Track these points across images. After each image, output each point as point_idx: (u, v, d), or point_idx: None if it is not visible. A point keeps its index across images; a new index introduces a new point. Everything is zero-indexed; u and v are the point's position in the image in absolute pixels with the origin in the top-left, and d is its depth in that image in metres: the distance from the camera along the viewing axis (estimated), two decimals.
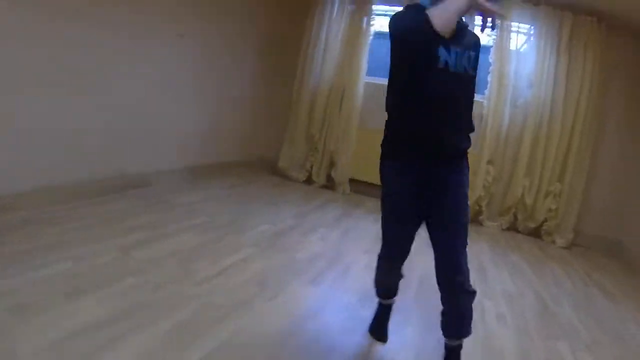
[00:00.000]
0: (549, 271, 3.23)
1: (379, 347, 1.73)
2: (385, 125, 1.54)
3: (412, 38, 1.36)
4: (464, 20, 1.45)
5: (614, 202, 4.18)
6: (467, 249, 1.49)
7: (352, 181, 4.64)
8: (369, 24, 4.49)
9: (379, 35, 4.56)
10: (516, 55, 4.19)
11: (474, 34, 1.51)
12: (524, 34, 4.25)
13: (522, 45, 4.27)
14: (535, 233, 4.23)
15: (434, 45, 1.33)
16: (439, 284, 1.51)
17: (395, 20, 1.42)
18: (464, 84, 1.45)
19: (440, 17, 1.26)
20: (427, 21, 1.28)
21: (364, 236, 3.17)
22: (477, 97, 3.95)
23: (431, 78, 1.38)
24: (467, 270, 1.48)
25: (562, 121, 4.01)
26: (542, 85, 4.04)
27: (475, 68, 1.47)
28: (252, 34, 4.48)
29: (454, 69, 1.38)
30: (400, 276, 1.73)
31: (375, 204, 4.23)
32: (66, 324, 1.45)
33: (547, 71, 4.03)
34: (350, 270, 2.48)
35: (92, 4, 2.65)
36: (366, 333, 1.79)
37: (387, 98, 1.51)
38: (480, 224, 4.25)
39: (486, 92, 4.21)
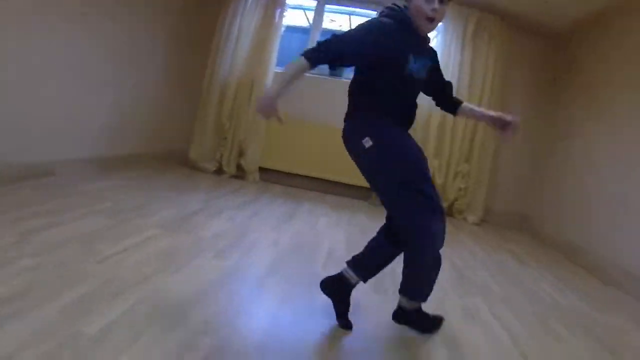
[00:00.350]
0: (461, 244, 3.55)
1: (287, 311, 1.84)
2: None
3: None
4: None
5: (518, 180, 4.76)
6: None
7: (262, 170, 4.75)
8: (281, 17, 4.62)
9: (290, 28, 4.70)
10: None
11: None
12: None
13: (433, 40, 4.61)
14: (448, 212, 4.59)
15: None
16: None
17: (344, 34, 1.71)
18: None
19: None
20: None
21: (271, 216, 3.28)
22: None
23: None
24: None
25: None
26: (448, 74, 4.40)
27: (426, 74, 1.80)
28: (164, 26, 4.38)
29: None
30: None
31: (283, 189, 4.42)
32: None
33: (453, 62, 4.48)
34: (257, 245, 2.58)
35: None
36: (272, 300, 1.90)
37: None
38: None
39: None
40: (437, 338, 1.78)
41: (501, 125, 1.90)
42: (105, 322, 1.45)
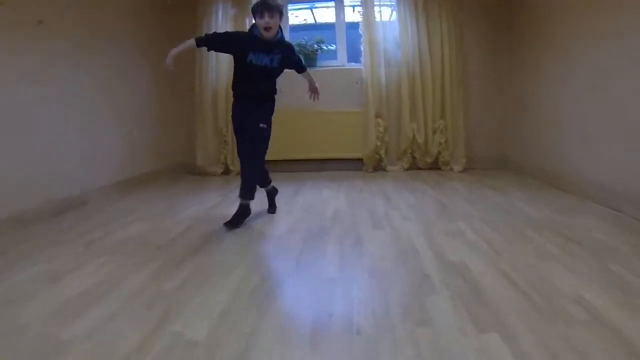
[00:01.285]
0: (447, 187, 4.08)
1: (307, 256, 2.37)
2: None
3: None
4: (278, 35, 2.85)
5: (492, 124, 5.22)
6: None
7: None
8: (251, 23, 5.04)
9: None
10: (382, 24, 5.06)
11: (281, 44, 2.91)
12: (388, 6, 5.13)
13: (391, 15, 5.15)
14: (435, 166, 5.14)
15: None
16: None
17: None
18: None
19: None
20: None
21: (280, 196, 3.75)
22: (355, 65, 5.06)
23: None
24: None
25: (431, 69, 4.97)
26: (409, 44, 4.97)
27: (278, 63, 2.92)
28: (141, 53, 4.79)
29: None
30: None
31: (286, 175, 4.90)
32: (64, 294, 1.93)
33: (411, 32, 4.96)
34: (275, 216, 3.20)
35: None
36: (295, 248, 2.44)
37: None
38: (384, 169, 5.10)
39: (361, 59, 5.07)
40: (427, 251, 2.27)
41: (311, 89, 3.26)
42: (182, 278, 1.99)
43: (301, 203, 3.57)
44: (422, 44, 4.96)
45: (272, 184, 3.35)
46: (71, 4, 3.65)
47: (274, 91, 3.05)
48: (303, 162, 5.26)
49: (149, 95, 4.96)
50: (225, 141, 5.17)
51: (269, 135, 2.96)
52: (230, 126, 5.21)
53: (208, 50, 2.99)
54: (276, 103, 3.08)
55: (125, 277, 2.01)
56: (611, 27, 3.14)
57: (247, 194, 2.94)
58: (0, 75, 2.96)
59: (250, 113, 2.90)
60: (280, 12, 2.76)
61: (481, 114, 5.22)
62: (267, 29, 2.72)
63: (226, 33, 3.23)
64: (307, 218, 3.07)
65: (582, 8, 3.53)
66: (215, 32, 3.08)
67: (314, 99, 3.31)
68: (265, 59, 2.83)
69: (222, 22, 5.08)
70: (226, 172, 5.25)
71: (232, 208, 3.14)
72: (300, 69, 3.18)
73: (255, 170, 3.00)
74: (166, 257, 2.29)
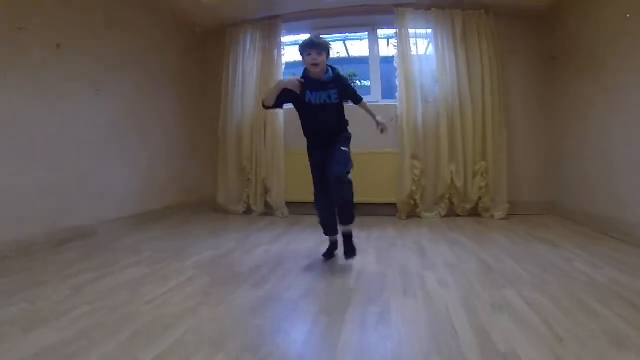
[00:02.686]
0: (488, 239, 3.57)
1: (322, 325, 1.95)
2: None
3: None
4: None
5: (539, 167, 4.76)
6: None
7: (290, 204, 4.90)
8: (279, 56, 4.88)
9: (289, 64, 4.95)
10: (418, 58, 4.69)
11: (336, 78, 2.81)
12: (424, 37, 4.78)
13: (428, 47, 4.80)
14: (474, 212, 4.63)
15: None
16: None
17: None
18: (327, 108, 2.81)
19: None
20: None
21: (301, 246, 3.40)
22: (390, 101, 4.70)
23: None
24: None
25: (472, 106, 4.55)
26: (447, 78, 4.57)
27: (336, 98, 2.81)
28: (169, 81, 4.73)
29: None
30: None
31: (313, 219, 4.49)
32: (22, 352, 1.59)
33: (449, 65, 4.58)
34: (291, 273, 2.69)
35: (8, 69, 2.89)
36: (307, 318, 2.02)
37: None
38: (419, 216, 4.64)
39: (397, 94, 4.69)
40: (469, 333, 1.78)
41: (378, 125, 3.03)
42: (158, 352, 1.60)
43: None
44: (461, 78, 4.59)
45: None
46: (95, 28, 3.60)
47: (345, 123, 2.94)
48: None
49: (175, 126, 4.83)
50: (249, 179, 4.91)
51: (351, 160, 2.80)
52: (254, 162, 5.06)
53: (275, 108, 2.93)
54: (351, 134, 2.95)
55: (97, 342, 1.67)
56: None
57: (351, 217, 2.79)
58: (16, 99, 2.97)
59: (325, 148, 2.83)
60: (326, 50, 2.73)
61: (525, 153, 4.77)
62: (314, 65, 2.69)
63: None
64: (327, 277, 2.62)
65: (634, 38, 3.22)
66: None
67: (382, 132, 3.07)
68: (323, 96, 2.78)
69: (250, 52, 4.93)
70: (248, 211, 4.95)
71: (247, 256, 2.99)
72: (356, 99, 3.00)
73: (351, 189, 2.70)
74: (150, 318, 1.93)
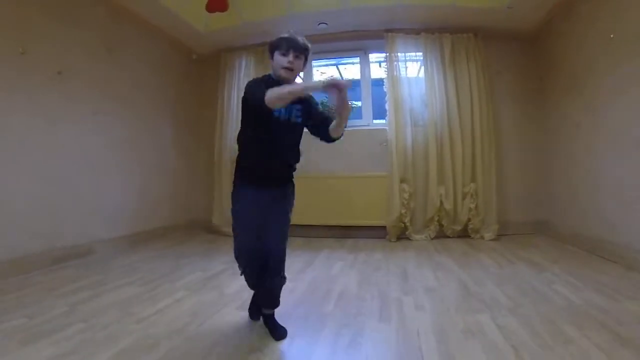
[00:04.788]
0: (474, 261, 3.60)
1: (296, 345, 2.05)
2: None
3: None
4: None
5: (527, 187, 4.81)
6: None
7: None
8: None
9: None
10: (407, 81, 4.80)
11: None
12: (415, 60, 4.90)
13: (420, 70, 4.92)
14: (464, 234, 4.69)
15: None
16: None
17: (249, 86, 2.00)
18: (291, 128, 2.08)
19: (272, 92, 1.81)
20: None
21: (289, 268, 3.44)
22: (381, 121, 4.69)
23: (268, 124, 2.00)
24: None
25: (461, 128, 4.64)
26: (436, 101, 4.67)
27: (299, 117, 2.08)
28: (166, 104, 4.90)
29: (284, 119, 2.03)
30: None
31: (304, 241, 4.64)
32: None
33: (438, 89, 4.69)
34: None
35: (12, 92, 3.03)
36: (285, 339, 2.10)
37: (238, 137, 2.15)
38: (408, 239, 4.69)
39: (386, 118, 4.77)
40: (435, 358, 1.83)
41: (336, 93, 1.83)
42: None
43: (308, 279, 3.21)
44: (450, 101, 4.71)
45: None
46: (95, 53, 3.74)
47: (298, 159, 2.21)
48: (325, 227, 4.96)
49: (172, 147, 4.96)
50: None
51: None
52: None
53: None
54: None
55: (87, 357, 1.81)
56: None
57: (278, 302, 2.25)
58: (17, 121, 3.09)
59: (264, 189, 2.10)
60: (306, 57, 2.08)
61: (514, 176, 4.86)
62: (288, 69, 2.00)
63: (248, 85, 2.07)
64: (307, 300, 2.71)
65: (612, 58, 3.34)
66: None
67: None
68: (292, 111, 2.06)
69: (245, 77, 5.08)
70: None
71: (234, 279, 3.03)
72: (326, 122, 2.07)
73: (283, 273, 2.23)
74: (138, 336, 2.06)
